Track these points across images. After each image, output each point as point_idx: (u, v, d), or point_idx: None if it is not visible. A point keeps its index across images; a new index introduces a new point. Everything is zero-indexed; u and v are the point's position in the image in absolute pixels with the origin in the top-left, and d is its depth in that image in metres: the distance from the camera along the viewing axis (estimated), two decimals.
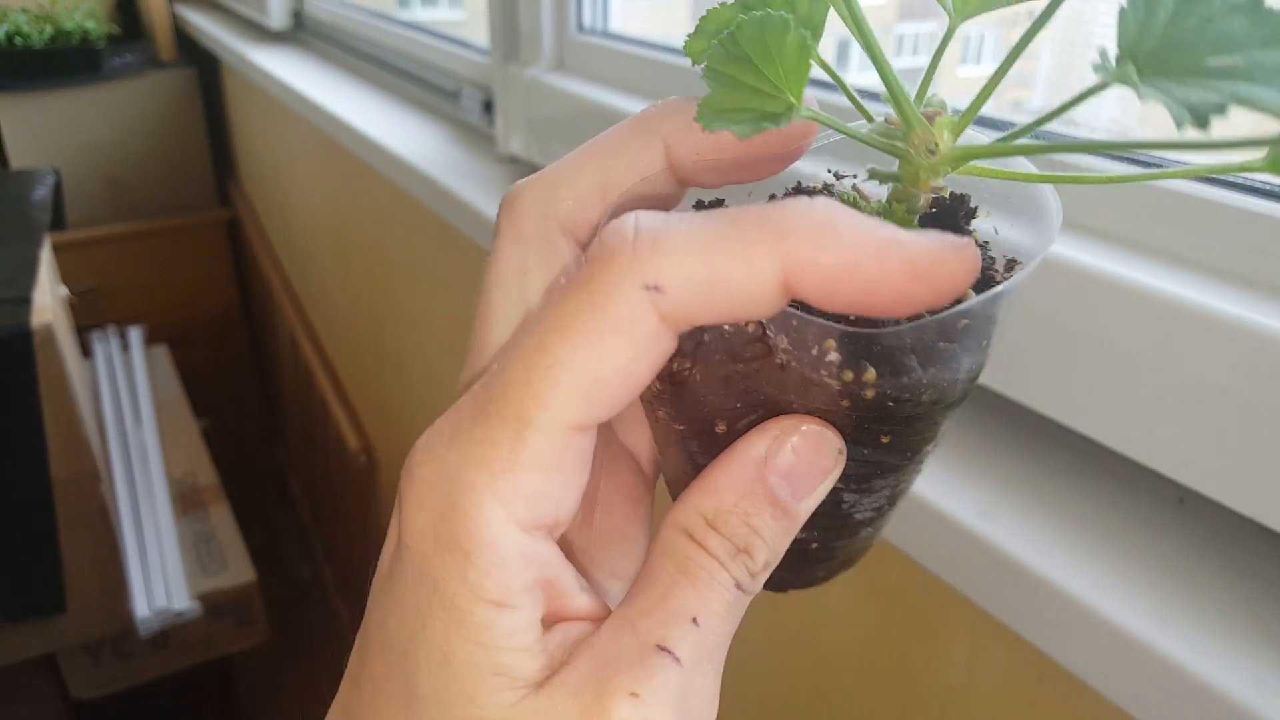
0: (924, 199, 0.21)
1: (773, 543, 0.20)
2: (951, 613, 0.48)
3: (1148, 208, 0.41)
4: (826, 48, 0.23)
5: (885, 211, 0.21)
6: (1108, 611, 0.36)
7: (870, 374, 0.19)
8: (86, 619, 1.35)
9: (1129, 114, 0.49)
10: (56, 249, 1.43)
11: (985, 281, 0.21)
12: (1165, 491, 0.42)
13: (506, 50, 0.88)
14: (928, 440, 0.21)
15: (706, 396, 0.20)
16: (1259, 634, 0.35)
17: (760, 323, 0.19)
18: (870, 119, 0.22)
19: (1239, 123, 0.17)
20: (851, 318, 0.19)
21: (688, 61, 0.22)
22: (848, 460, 0.20)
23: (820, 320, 0.18)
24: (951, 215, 0.22)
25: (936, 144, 0.20)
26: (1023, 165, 0.22)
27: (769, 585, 0.22)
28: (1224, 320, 0.35)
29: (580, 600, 0.20)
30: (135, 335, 1.95)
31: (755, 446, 0.20)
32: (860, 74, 0.73)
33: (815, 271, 0.17)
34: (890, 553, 0.49)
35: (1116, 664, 0.36)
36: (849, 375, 0.19)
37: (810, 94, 0.20)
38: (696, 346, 0.20)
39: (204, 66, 2.28)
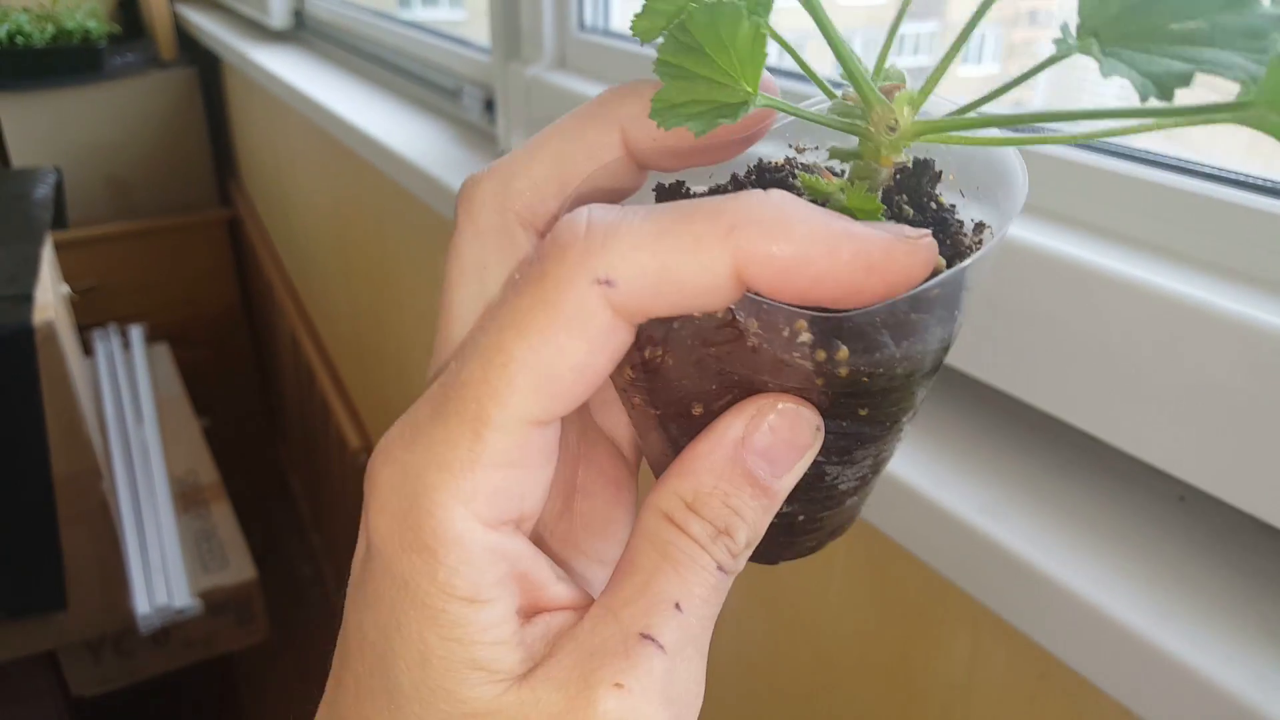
0: (887, 173, 0.21)
1: (753, 522, 0.20)
2: (953, 609, 0.48)
3: (1149, 204, 0.42)
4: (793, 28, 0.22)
5: (847, 189, 0.20)
6: (1109, 608, 0.36)
7: (843, 352, 0.19)
8: (87, 616, 1.35)
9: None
10: (58, 247, 1.44)
11: (954, 246, 0.21)
12: (1166, 488, 0.42)
13: (508, 49, 0.88)
14: (905, 410, 0.21)
15: (681, 381, 0.20)
16: (1260, 630, 0.35)
17: (730, 307, 0.19)
18: (831, 95, 0.22)
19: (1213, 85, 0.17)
20: None
21: None
22: (826, 434, 0.20)
23: (789, 304, 0.18)
24: (915, 183, 0.22)
25: (896, 120, 0.20)
26: (988, 132, 0.21)
27: (760, 559, 0.22)
28: (1225, 317, 0.35)
29: (558, 590, 0.20)
30: (136, 333, 1.95)
31: (732, 427, 0.20)
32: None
33: (767, 264, 0.17)
34: (892, 549, 0.49)
35: (1118, 660, 0.36)
36: (822, 355, 0.19)
37: (768, 76, 0.20)
38: (667, 334, 0.20)
39: (205, 66, 2.28)
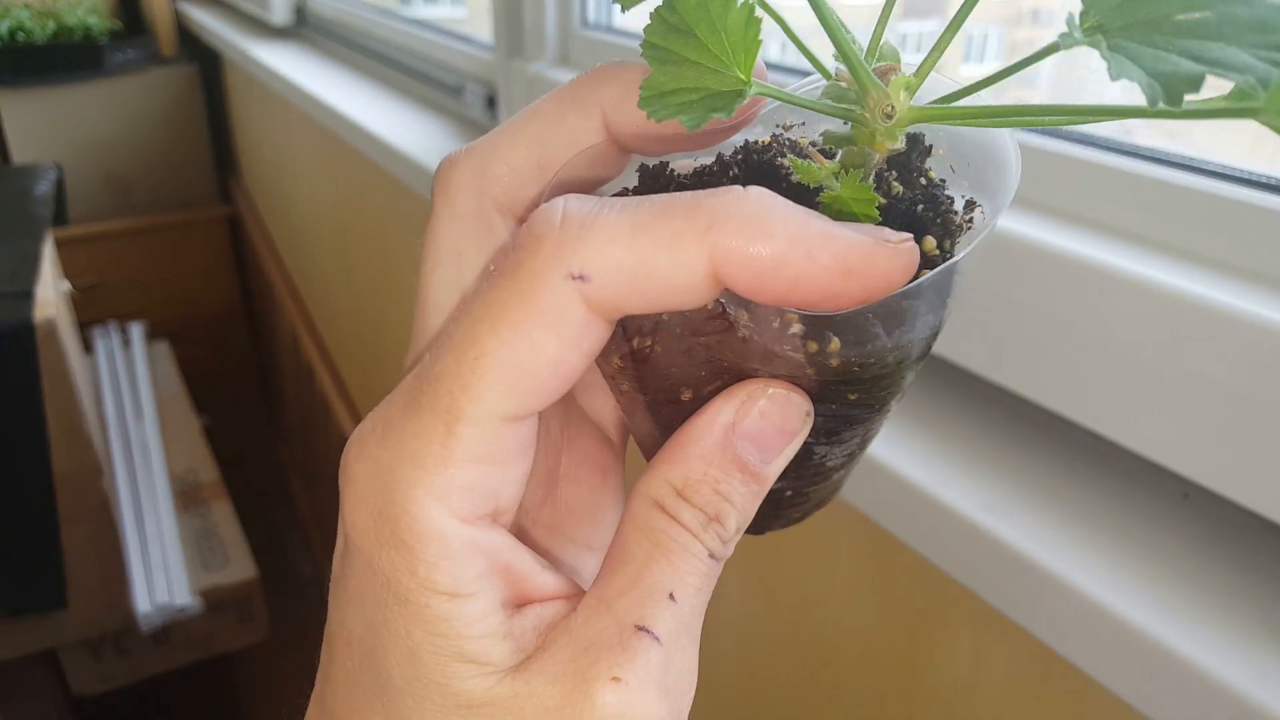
0: (880, 157, 0.20)
1: (743, 508, 0.20)
2: (956, 606, 0.48)
3: (1152, 201, 0.41)
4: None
5: (841, 176, 0.20)
6: (1112, 605, 0.36)
7: (835, 344, 0.19)
8: (88, 614, 1.35)
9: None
10: (58, 244, 1.44)
11: (944, 224, 0.21)
12: (1170, 486, 0.42)
13: (510, 46, 0.88)
14: (894, 394, 0.21)
15: (670, 369, 0.20)
16: (1264, 628, 0.35)
17: (718, 300, 0.18)
18: (828, 75, 0.21)
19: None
20: None
21: None
22: (816, 417, 0.20)
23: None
24: (905, 159, 0.22)
25: (893, 107, 0.19)
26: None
27: (748, 530, 0.22)
28: (1229, 314, 0.35)
29: (544, 580, 0.20)
30: (136, 331, 1.95)
31: (722, 412, 0.19)
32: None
33: (744, 264, 0.17)
34: (895, 546, 0.49)
35: (1121, 658, 0.36)
36: (813, 346, 0.19)
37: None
38: (656, 325, 0.20)
39: (206, 62, 2.28)
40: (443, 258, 0.22)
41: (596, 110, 0.21)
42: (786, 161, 0.21)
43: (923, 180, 0.22)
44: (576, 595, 0.20)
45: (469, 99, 1.02)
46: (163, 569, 1.41)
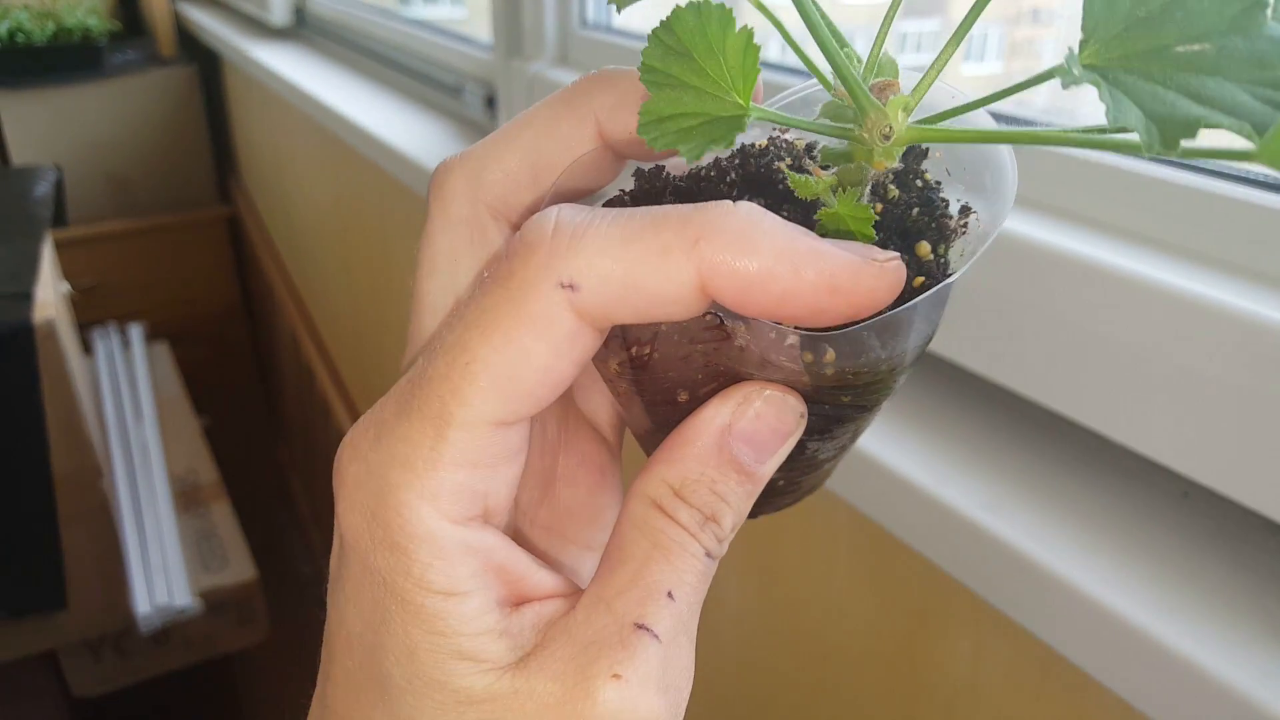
0: (878, 173, 0.21)
1: (738, 507, 0.20)
2: (956, 605, 0.48)
3: (1152, 199, 0.41)
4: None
5: (839, 192, 0.20)
6: (1112, 604, 0.36)
7: (830, 355, 0.19)
8: (87, 616, 1.35)
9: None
10: (58, 245, 1.44)
11: (939, 229, 0.21)
12: (1170, 484, 0.42)
13: (509, 46, 0.88)
14: (887, 395, 0.21)
15: (668, 373, 0.20)
16: (1264, 627, 0.35)
17: (715, 311, 0.19)
18: (829, 86, 0.21)
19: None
20: None
21: None
22: (809, 417, 0.20)
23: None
24: (903, 167, 0.22)
25: (891, 128, 0.19)
26: (984, 123, 0.21)
27: None
28: (1229, 313, 0.35)
29: (540, 579, 0.20)
30: (136, 332, 1.95)
31: (719, 414, 0.20)
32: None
33: (732, 279, 0.17)
34: (895, 545, 0.49)
35: (1121, 656, 0.36)
36: (809, 357, 0.19)
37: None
38: (655, 333, 0.20)
39: (205, 63, 2.28)
40: (438, 262, 0.22)
41: (590, 117, 0.21)
42: (783, 165, 0.21)
43: (919, 183, 0.22)
44: (574, 594, 0.20)
45: (468, 99, 1.02)
46: (162, 570, 1.41)
